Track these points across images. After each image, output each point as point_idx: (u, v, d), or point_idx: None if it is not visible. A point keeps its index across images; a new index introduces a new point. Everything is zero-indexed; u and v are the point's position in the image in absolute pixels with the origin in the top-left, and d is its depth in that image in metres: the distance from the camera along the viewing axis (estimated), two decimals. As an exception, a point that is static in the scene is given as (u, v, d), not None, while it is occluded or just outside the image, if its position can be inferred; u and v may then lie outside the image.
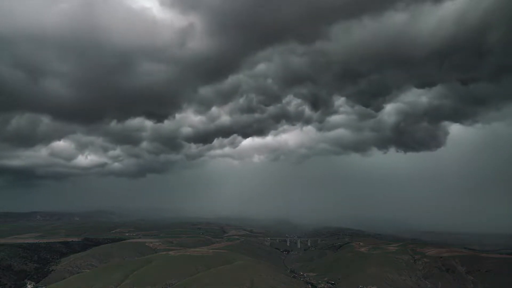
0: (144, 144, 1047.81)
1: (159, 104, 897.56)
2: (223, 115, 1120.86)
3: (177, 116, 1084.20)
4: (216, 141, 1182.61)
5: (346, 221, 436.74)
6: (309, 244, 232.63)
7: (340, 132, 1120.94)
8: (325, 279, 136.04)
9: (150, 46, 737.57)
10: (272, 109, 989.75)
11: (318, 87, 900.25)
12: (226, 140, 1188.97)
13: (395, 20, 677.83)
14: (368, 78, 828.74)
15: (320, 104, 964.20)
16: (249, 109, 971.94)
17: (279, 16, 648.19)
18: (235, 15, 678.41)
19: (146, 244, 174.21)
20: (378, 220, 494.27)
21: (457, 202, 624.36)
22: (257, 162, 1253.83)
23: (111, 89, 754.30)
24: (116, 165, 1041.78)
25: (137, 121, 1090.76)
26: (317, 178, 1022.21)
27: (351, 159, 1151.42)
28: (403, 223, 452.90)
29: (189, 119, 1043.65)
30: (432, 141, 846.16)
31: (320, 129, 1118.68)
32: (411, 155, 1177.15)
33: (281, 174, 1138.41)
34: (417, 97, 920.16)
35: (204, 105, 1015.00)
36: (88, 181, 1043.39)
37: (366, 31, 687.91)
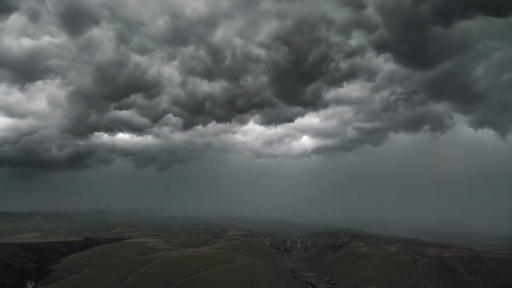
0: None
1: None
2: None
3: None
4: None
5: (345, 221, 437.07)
6: (309, 244, 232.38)
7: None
8: (325, 279, 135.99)
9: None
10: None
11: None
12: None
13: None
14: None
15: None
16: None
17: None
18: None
19: (146, 244, 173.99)
20: (378, 220, 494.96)
21: (457, 202, 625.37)
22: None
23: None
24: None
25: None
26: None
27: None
28: (403, 223, 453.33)
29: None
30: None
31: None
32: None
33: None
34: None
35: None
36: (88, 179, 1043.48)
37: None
